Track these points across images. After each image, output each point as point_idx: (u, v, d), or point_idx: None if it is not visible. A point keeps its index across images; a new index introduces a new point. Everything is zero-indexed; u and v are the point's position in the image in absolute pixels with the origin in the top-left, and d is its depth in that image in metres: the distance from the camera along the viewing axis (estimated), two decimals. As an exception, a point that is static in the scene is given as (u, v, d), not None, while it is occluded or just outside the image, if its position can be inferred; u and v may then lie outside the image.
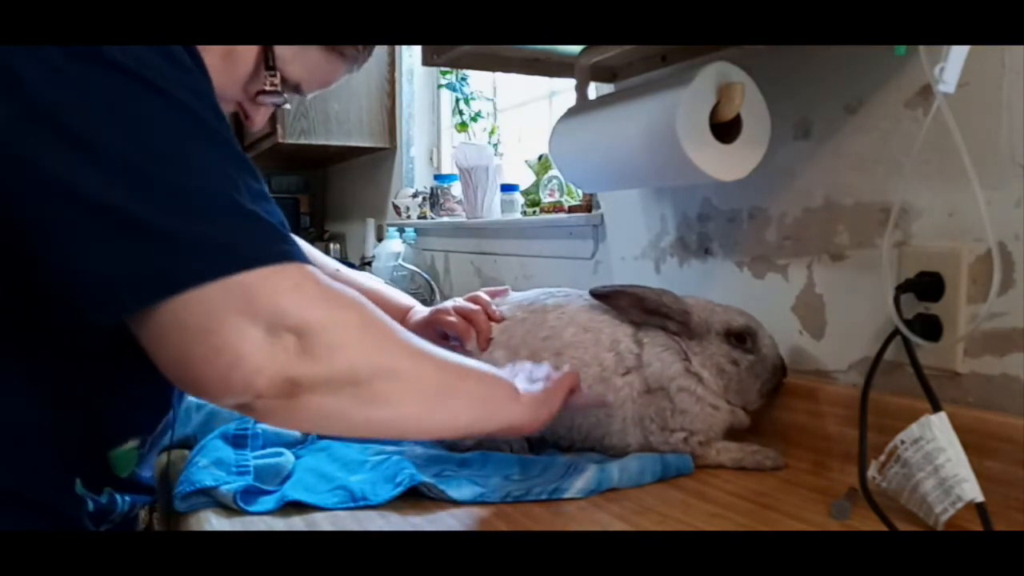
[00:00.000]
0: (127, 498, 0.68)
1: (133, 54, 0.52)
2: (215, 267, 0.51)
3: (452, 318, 0.93)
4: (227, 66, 0.68)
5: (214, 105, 0.56)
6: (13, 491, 0.59)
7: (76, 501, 0.63)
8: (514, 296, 0.97)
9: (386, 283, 1.78)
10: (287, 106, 0.76)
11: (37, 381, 0.59)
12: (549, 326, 0.90)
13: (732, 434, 0.88)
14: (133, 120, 0.52)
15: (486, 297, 0.95)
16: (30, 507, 0.60)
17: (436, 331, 0.94)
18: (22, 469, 0.59)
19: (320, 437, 0.91)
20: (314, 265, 0.57)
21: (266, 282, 0.52)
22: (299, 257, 0.55)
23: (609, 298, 0.89)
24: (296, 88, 0.74)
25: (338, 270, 1.02)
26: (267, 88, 0.70)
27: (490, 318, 0.93)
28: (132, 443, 0.67)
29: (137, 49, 0.52)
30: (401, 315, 0.99)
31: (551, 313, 0.91)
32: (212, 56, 0.67)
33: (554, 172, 1.58)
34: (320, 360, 0.54)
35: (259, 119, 0.75)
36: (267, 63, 0.69)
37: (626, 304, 0.88)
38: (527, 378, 0.77)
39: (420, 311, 0.99)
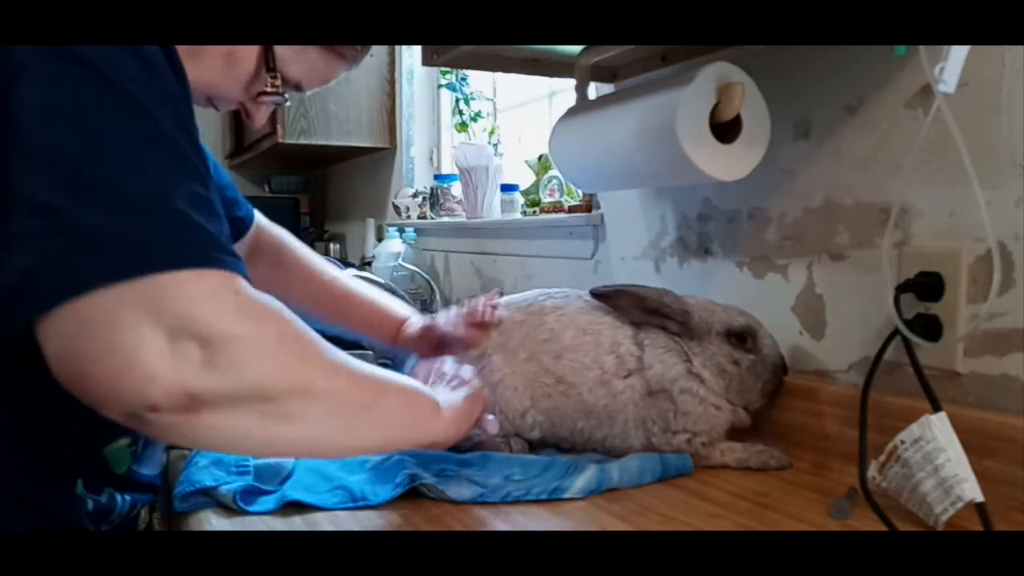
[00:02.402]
0: (127, 497, 0.68)
1: (102, 51, 0.51)
2: (126, 266, 0.48)
3: (451, 329, 0.90)
4: (228, 67, 0.69)
5: (178, 109, 0.54)
6: (10, 492, 0.59)
7: (76, 501, 0.63)
8: (511, 297, 0.97)
9: (388, 282, 1.78)
10: (288, 103, 0.76)
11: (22, 381, 0.59)
12: (548, 328, 0.89)
13: (733, 434, 0.88)
14: (75, 112, 0.50)
15: (481, 308, 0.91)
16: (27, 507, 0.60)
17: (430, 344, 0.93)
18: (20, 470, 0.59)
19: None
20: (247, 277, 0.54)
21: (180, 286, 0.49)
22: (230, 265, 0.53)
23: (609, 298, 0.89)
24: (296, 87, 0.74)
25: (335, 279, 1.00)
26: (268, 89, 0.71)
27: (485, 325, 0.90)
28: (123, 440, 0.67)
29: (110, 47, 0.51)
30: (397, 325, 0.97)
31: (550, 315, 0.90)
32: (213, 58, 0.68)
33: (554, 172, 1.58)
34: (225, 373, 0.50)
35: (260, 117, 0.76)
36: (268, 65, 0.70)
37: (626, 304, 0.88)
38: (447, 386, 0.76)
39: (415, 324, 0.96)
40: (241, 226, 0.97)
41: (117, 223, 0.49)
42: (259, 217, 1.02)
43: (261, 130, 2.48)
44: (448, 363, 0.82)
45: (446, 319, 0.92)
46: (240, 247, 0.95)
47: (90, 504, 0.64)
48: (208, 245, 0.52)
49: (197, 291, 0.50)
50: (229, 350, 0.50)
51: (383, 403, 0.62)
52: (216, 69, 0.68)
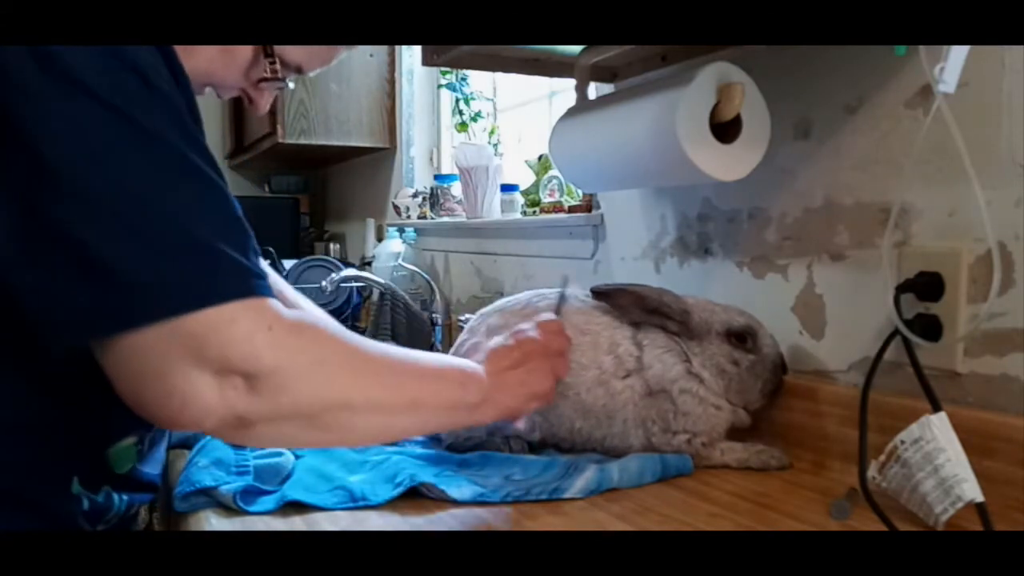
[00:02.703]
0: (124, 497, 0.68)
1: (108, 78, 0.52)
2: (161, 309, 0.52)
3: None
4: (225, 57, 0.69)
5: (184, 123, 0.56)
6: (8, 490, 0.59)
7: (71, 500, 0.63)
8: (504, 300, 0.96)
9: (387, 282, 1.77)
10: (291, 86, 0.75)
11: (30, 379, 0.59)
12: None
13: (733, 434, 0.88)
14: (99, 151, 0.52)
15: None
16: (22, 505, 0.60)
17: None
18: (15, 467, 0.59)
19: None
20: (273, 295, 0.58)
21: (216, 329, 0.54)
22: (257, 290, 0.56)
23: (609, 296, 0.89)
24: (297, 69, 0.74)
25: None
26: (268, 75, 0.71)
27: None
28: (130, 439, 0.67)
29: (113, 70, 0.52)
30: None
31: (544, 316, 0.90)
32: (210, 48, 0.68)
33: (554, 172, 1.58)
34: (268, 399, 0.56)
35: (263, 103, 0.76)
36: (265, 51, 0.70)
37: (626, 303, 0.88)
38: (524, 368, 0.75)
39: None
40: None
41: (146, 262, 0.52)
42: None
43: (261, 130, 2.48)
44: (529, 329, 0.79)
45: None
46: None
47: (86, 503, 0.64)
48: (234, 275, 0.55)
49: (233, 333, 0.54)
50: (270, 380, 0.56)
51: (425, 400, 0.66)
52: (213, 59, 0.68)
